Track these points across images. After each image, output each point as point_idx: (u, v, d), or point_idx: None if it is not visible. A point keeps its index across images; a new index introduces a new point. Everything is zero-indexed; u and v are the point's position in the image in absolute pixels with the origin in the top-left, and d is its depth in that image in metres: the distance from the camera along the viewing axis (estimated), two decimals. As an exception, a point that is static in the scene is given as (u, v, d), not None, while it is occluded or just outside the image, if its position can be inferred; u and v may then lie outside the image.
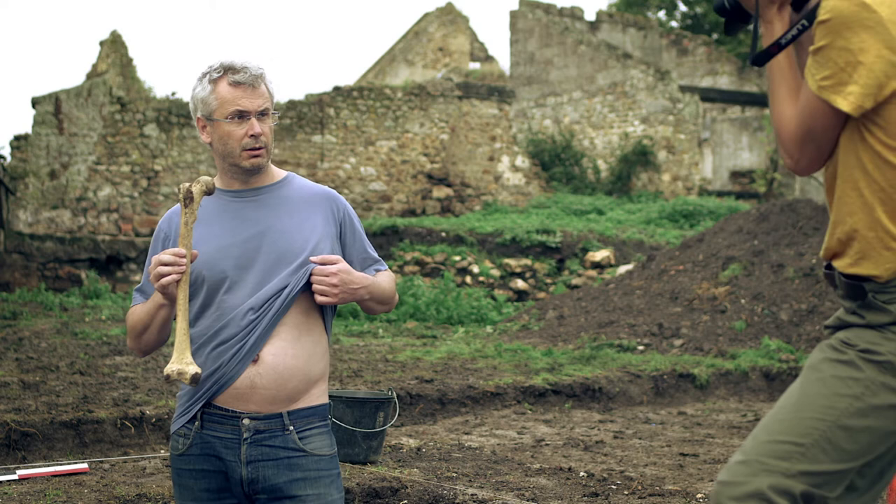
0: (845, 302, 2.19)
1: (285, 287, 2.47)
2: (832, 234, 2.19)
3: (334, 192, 2.64)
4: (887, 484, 2.22)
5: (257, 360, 2.44)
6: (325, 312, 2.59)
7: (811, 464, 2.09)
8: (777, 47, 2.18)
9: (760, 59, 2.21)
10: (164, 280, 2.37)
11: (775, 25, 2.23)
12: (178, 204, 2.56)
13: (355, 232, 2.62)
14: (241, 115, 2.48)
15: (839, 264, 2.17)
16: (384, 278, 2.62)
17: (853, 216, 2.13)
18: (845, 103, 2.04)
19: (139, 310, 2.55)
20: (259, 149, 2.51)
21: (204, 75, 2.52)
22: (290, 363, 2.46)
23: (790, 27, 2.18)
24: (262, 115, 2.51)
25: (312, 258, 2.49)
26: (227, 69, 2.50)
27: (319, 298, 2.46)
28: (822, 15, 2.04)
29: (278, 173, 2.62)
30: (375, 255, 2.67)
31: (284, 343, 2.46)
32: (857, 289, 2.15)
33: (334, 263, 2.47)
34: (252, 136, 2.48)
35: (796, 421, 2.12)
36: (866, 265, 2.11)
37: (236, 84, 2.48)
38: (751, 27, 2.26)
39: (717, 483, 2.14)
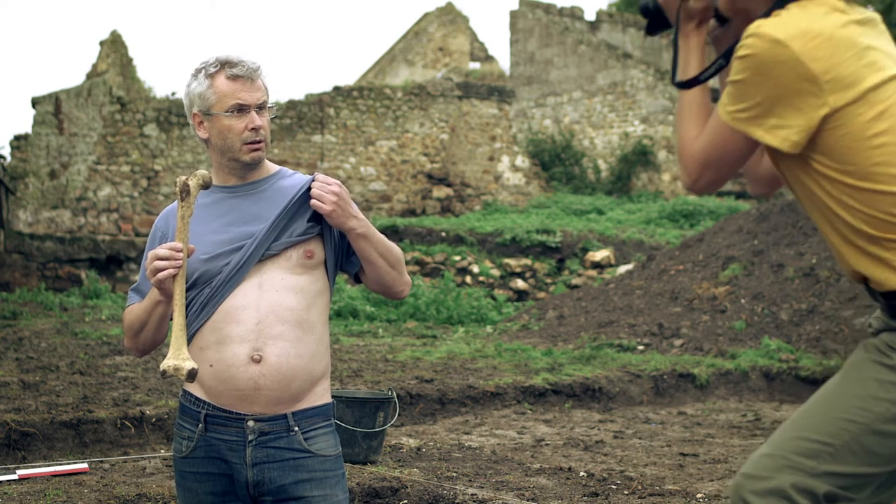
0: (886, 317, 2.18)
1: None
2: (845, 266, 2.19)
3: (332, 179, 2.64)
4: None
5: (260, 360, 2.41)
6: (326, 304, 2.56)
7: (838, 465, 2.06)
8: (696, 81, 2.23)
9: (683, 86, 2.26)
10: (161, 275, 2.36)
11: (691, 40, 2.26)
12: (175, 202, 2.54)
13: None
14: (241, 109, 2.47)
15: (873, 284, 2.16)
16: (386, 239, 2.62)
17: (854, 244, 2.13)
18: (774, 139, 2.07)
19: (136, 308, 2.54)
20: (259, 142, 2.50)
21: (199, 70, 2.50)
22: (294, 363, 2.44)
23: (709, 65, 2.22)
24: (260, 108, 2.50)
25: (316, 174, 2.54)
26: (224, 63, 2.48)
27: (314, 202, 2.46)
28: (740, 51, 2.07)
29: (272, 167, 2.61)
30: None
31: (287, 343, 2.43)
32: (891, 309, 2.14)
33: (336, 185, 2.51)
34: (253, 129, 2.48)
35: (828, 420, 2.09)
36: (892, 279, 2.11)
37: (234, 77, 2.47)
38: (670, 31, 2.31)
39: (739, 474, 2.12)
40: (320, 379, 2.52)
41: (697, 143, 2.18)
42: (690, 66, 2.26)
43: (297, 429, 2.45)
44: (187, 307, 2.47)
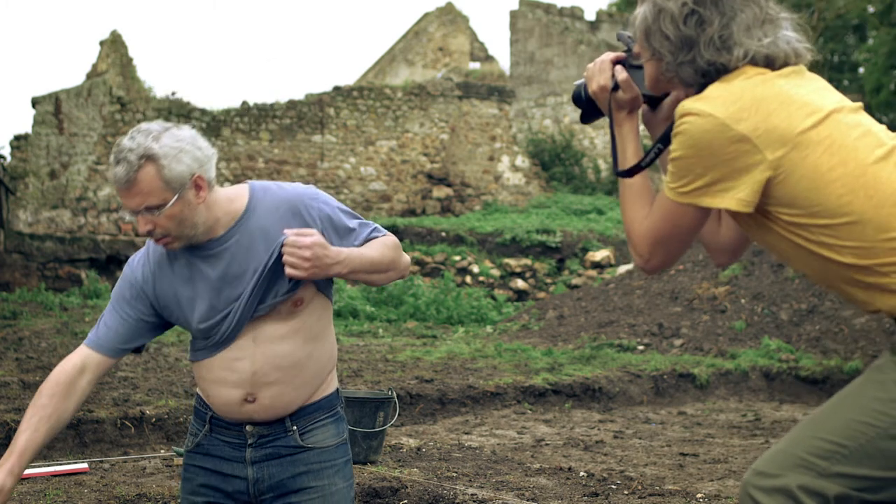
0: None
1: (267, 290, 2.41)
2: (862, 306, 2.18)
3: (301, 196, 2.43)
4: None
5: (255, 401, 2.45)
6: (326, 325, 2.55)
7: (852, 467, 2.05)
8: (638, 168, 2.30)
9: (625, 174, 2.32)
10: None
11: (625, 128, 2.32)
12: (143, 250, 2.49)
13: (338, 228, 2.45)
14: (133, 212, 2.31)
15: (885, 311, 2.15)
16: (374, 246, 2.46)
17: (856, 286, 2.13)
18: (725, 202, 2.10)
19: (32, 409, 2.41)
20: (160, 240, 2.34)
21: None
22: (289, 398, 2.48)
23: (648, 151, 2.29)
24: (148, 210, 2.28)
25: (286, 230, 2.35)
26: (113, 157, 2.28)
27: (289, 271, 2.32)
28: (676, 128, 2.13)
29: (238, 207, 2.40)
30: (367, 228, 2.50)
31: (282, 385, 2.46)
32: None
33: (310, 236, 2.33)
34: (144, 232, 2.32)
35: (846, 421, 2.08)
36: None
37: (113, 181, 2.29)
38: (604, 118, 2.37)
39: (750, 469, 2.12)
40: (321, 383, 2.55)
41: (646, 224, 2.25)
42: (628, 154, 2.32)
43: (294, 429, 2.50)
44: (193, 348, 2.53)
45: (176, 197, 2.28)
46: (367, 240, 2.48)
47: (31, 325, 10.12)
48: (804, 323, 10.10)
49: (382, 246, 2.49)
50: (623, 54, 2.30)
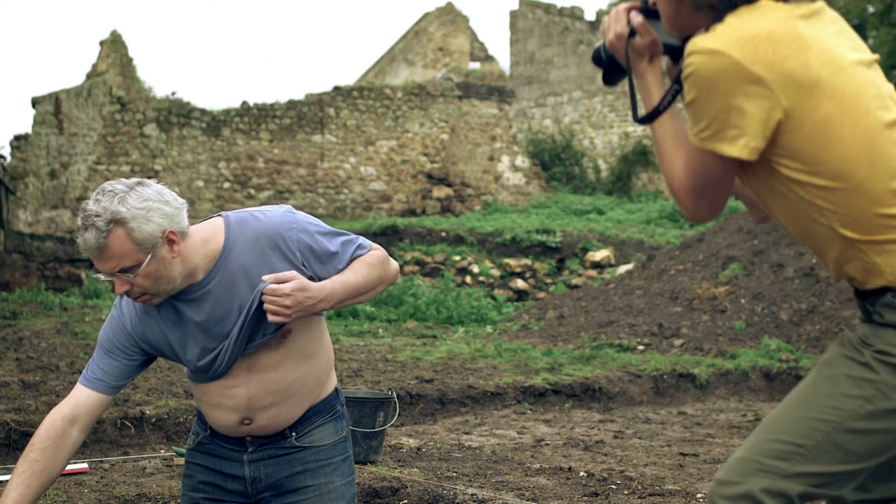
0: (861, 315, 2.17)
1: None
2: (826, 267, 2.17)
3: (276, 226, 2.36)
4: None
5: (251, 423, 2.48)
6: (321, 344, 2.54)
7: (812, 465, 2.05)
8: (656, 113, 2.20)
9: (644, 121, 2.23)
10: None
11: (647, 77, 2.24)
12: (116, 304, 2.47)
13: (319, 256, 2.38)
14: (108, 274, 2.27)
15: (856, 284, 2.14)
16: (357, 269, 2.41)
17: (831, 247, 2.10)
18: (734, 149, 2.03)
19: (23, 464, 2.38)
20: (138, 298, 2.31)
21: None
22: (286, 417, 2.50)
23: (665, 93, 2.20)
24: (123, 271, 2.25)
25: (265, 277, 2.30)
26: (81, 223, 2.23)
27: (271, 318, 2.29)
28: (685, 70, 2.05)
29: (215, 248, 2.35)
30: (351, 247, 2.44)
31: (278, 408, 2.48)
32: (864, 309, 2.13)
33: (288, 281, 2.29)
34: (121, 293, 2.29)
35: (801, 420, 2.08)
36: (874, 279, 2.08)
37: (83, 247, 2.24)
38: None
39: (714, 480, 2.12)
40: (321, 388, 2.57)
41: (683, 175, 2.15)
42: (653, 101, 2.23)
43: (293, 434, 2.53)
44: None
45: (150, 257, 2.24)
46: (352, 259, 2.43)
47: (31, 325, 10.12)
48: (804, 323, 10.10)
49: (366, 266, 2.43)
50: (637, 2, 2.24)
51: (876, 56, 2.16)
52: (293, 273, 2.30)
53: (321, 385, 2.56)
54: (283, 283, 2.28)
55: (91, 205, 2.22)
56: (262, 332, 2.38)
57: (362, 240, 2.49)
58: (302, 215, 2.43)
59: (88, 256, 2.25)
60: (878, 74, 2.13)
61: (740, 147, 2.03)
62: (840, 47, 2.07)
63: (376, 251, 2.48)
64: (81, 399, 2.45)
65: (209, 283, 2.35)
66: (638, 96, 2.27)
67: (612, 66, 2.30)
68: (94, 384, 2.46)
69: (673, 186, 2.18)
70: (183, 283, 2.33)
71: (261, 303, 2.32)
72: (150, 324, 2.42)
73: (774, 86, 1.99)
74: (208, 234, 2.36)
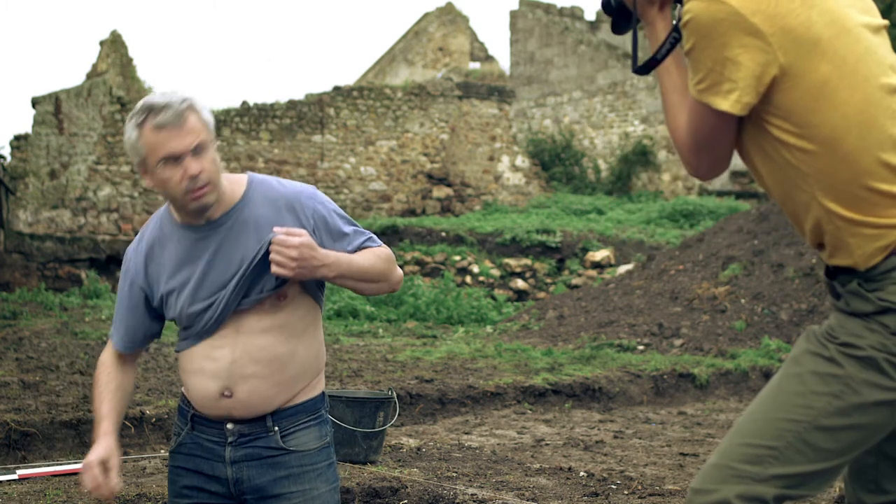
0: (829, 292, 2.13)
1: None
2: (802, 235, 2.13)
3: (298, 194, 2.45)
4: None
5: (231, 396, 2.44)
6: (312, 325, 2.54)
7: (785, 467, 2.01)
8: (654, 62, 2.13)
9: (641, 70, 2.17)
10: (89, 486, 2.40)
11: (657, 26, 2.17)
12: (136, 238, 2.55)
13: (331, 230, 2.45)
14: (174, 159, 2.32)
15: (823, 255, 2.11)
16: (365, 255, 2.46)
17: (808, 213, 2.06)
18: (726, 103, 1.98)
19: (94, 393, 2.54)
20: (202, 188, 2.34)
21: (130, 119, 2.36)
22: (267, 394, 2.45)
23: (664, 40, 2.13)
24: (196, 151, 2.32)
25: (276, 229, 2.36)
26: (149, 111, 2.32)
27: (274, 269, 2.33)
28: (683, 17, 1.99)
29: (235, 193, 2.43)
30: (362, 237, 2.49)
31: (259, 380, 2.43)
32: (832, 287, 2.11)
33: (299, 236, 2.33)
34: (190, 177, 2.32)
35: (770, 422, 2.04)
36: (840, 256, 2.05)
37: (160, 127, 2.30)
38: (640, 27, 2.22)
39: (689, 489, 2.09)
40: (305, 385, 2.53)
41: (685, 130, 2.09)
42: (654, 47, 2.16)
43: (276, 429, 2.47)
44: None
45: (214, 141, 2.38)
46: (361, 248, 2.48)
47: (31, 325, 10.12)
48: (804, 323, 10.10)
49: (375, 256, 2.48)
50: None
51: (885, 22, 2.09)
52: (304, 231, 2.35)
53: (308, 377, 2.51)
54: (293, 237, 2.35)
55: (155, 98, 2.34)
56: (260, 287, 2.40)
57: (374, 235, 2.54)
58: (324, 195, 2.51)
59: (161, 137, 2.30)
60: (884, 41, 2.06)
61: (732, 102, 1.97)
62: (848, 7, 2.01)
63: (386, 249, 2.53)
64: (115, 351, 2.58)
65: (221, 226, 2.41)
66: (641, 45, 2.19)
67: (621, 14, 2.22)
68: (123, 342, 2.56)
69: (676, 142, 2.13)
70: (219, 200, 2.40)
71: (265, 255, 2.37)
72: (152, 265, 2.48)
73: (773, 40, 1.94)
74: (233, 180, 2.45)
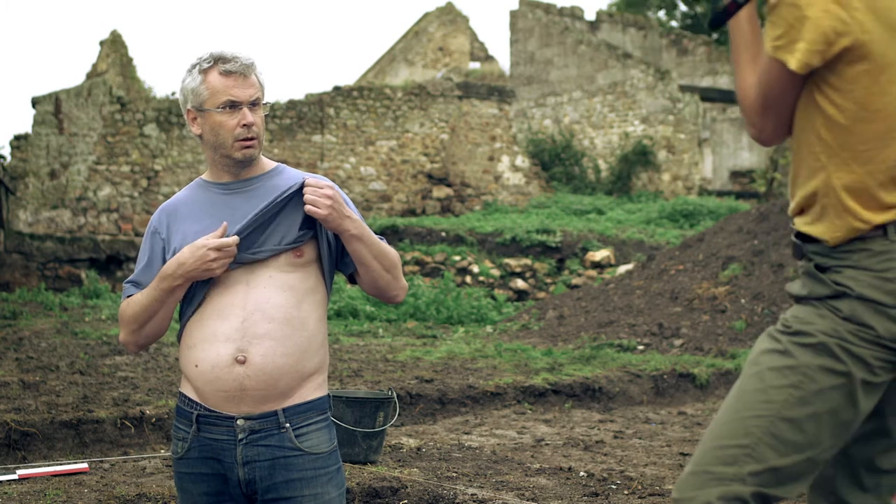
0: (800, 261, 2.18)
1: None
2: (794, 194, 2.17)
3: (319, 178, 2.56)
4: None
5: (244, 361, 2.39)
6: (321, 303, 2.54)
7: (758, 463, 2.05)
8: (734, 6, 2.16)
9: (718, 19, 2.19)
10: (215, 265, 2.40)
11: None
12: (170, 199, 2.61)
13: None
14: (233, 105, 2.45)
15: (798, 221, 2.16)
16: (382, 242, 2.56)
17: (812, 179, 2.10)
18: (793, 60, 2.02)
19: (141, 299, 2.50)
20: (251, 139, 2.47)
21: (194, 66, 2.49)
22: (280, 362, 2.42)
23: None
24: (253, 105, 2.47)
25: (306, 179, 2.49)
26: (218, 59, 2.46)
27: (308, 208, 2.42)
28: None
29: (268, 164, 2.58)
30: (371, 229, 2.61)
31: (273, 342, 2.41)
32: (798, 248, 2.15)
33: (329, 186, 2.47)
34: (244, 125, 2.45)
35: (737, 421, 2.08)
36: (819, 227, 2.10)
37: (227, 73, 2.45)
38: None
39: (671, 499, 2.12)
40: (313, 375, 2.50)
41: (754, 90, 2.13)
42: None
43: (287, 426, 2.44)
44: (182, 303, 2.53)
45: (265, 102, 2.53)
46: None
47: (31, 325, 10.12)
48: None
49: (390, 249, 2.56)
50: None
51: None
52: (329, 182, 2.49)
53: (315, 359, 2.49)
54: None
55: (224, 50, 2.48)
56: (279, 237, 2.46)
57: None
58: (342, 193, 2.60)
59: (226, 83, 2.45)
60: None
61: (797, 59, 2.01)
62: None
63: (395, 252, 2.62)
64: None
65: (249, 186, 2.52)
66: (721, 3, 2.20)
67: None
68: (133, 291, 2.57)
69: (744, 102, 2.16)
70: (255, 162, 2.53)
71: (289, 205, 2.46)
72: (177, 220, 2.54)
73: (857, 15, 1.98)
74: (265, 159, 2.61)
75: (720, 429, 2.11)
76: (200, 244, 2.40)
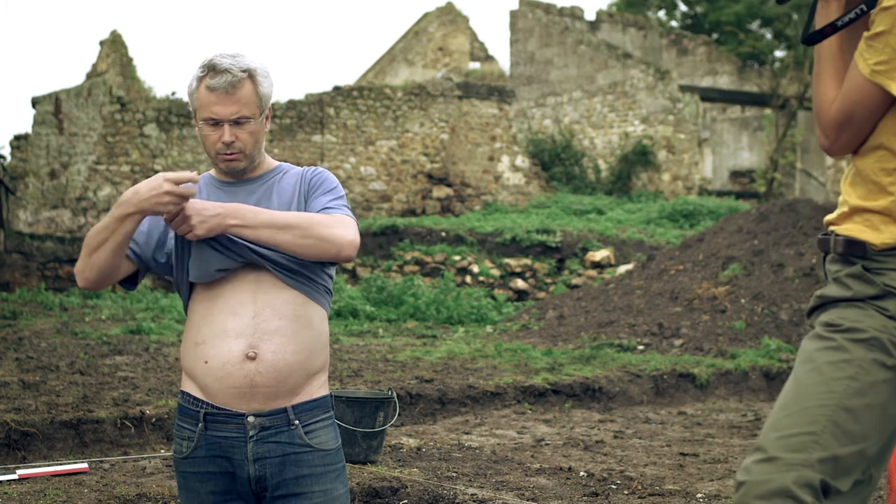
0: (835, 266, 2.24)
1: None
2: (847, 202, 2.23)
3: (312, 167, 2.60)
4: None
5: (255, 357, 2.40)
6: (324, 302, 2.55)
7: (825, 450, 2.12)
8: (832, 28, 2.20)
9: (813, 38, 2.23)
10: (167, 199, 2.32)
11: (832, 4, 2.25)
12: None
13: (318, 189, 2.53)
14: (215, 122, 2.44)
15: (846, 227, 2.22)
16: (291, 212, 2.44)
17: (882, 197, 2.18)
18: (895, 87, 2.09)
19: (97, 225, 2.46)
20: (232, 154, 2.46)
21: (196, 69, 2.49)
22: (290, 359, 2.43)
23: (848, 9, 2.20)
24: (237, 122, 2.44)
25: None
26: (210, 70, 2.43)
27: (189, 237, 2.40)
28: (887, 2, 2.08)
29: (270, 164, 2.59)
30: (339, 206, 2.51)
31: (283, 339, 2.42)
32: (856, 245, 2.20)
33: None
34: (224, 143, 2.44)
35: (802, 412, 2.15)
36: (869, 233, 2.18)
37: (211, 89, 2.42)
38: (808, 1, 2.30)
39: (739, 483, 2.16)
40: (318, 372, 2.51)
41: (835, 106, 2.19)
42: (831, 12, 2.24)
43: (297, 422, 2.44)
44: (189, 300, 2.52)
45: (262, 115, 2.47)
46: (320, 211, 2.50)
47: (31, 325, 10.12)
48: (804, 323, 10.10)
49: (330, 219, 2.44)
50: None
51: None
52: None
53: (320, 358, 2.50)
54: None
55: (219, 58, 2.42)
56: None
57: (346, 210, 2.52)
58: (335, 179, 2.60)
59: (208, 99, 2.41)
60: None
61: None
62: None
63: (343, 216, 2.48)
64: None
65: (252, 184, 2.54)
66: (814, 22, 2.25)
67: None
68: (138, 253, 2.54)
69: (820, 115, 2.22)
70: (255, 165, 2.54)
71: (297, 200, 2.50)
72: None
73: None
74: (269, 158, 2.61)
75: (783, 420, 2.18)
76: (158, 175, 2.37)
